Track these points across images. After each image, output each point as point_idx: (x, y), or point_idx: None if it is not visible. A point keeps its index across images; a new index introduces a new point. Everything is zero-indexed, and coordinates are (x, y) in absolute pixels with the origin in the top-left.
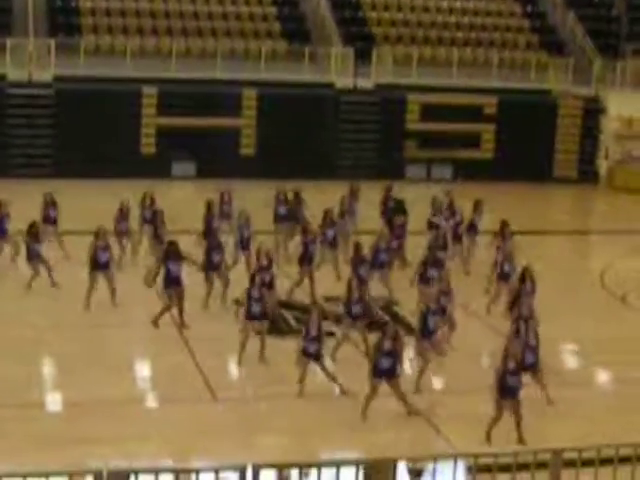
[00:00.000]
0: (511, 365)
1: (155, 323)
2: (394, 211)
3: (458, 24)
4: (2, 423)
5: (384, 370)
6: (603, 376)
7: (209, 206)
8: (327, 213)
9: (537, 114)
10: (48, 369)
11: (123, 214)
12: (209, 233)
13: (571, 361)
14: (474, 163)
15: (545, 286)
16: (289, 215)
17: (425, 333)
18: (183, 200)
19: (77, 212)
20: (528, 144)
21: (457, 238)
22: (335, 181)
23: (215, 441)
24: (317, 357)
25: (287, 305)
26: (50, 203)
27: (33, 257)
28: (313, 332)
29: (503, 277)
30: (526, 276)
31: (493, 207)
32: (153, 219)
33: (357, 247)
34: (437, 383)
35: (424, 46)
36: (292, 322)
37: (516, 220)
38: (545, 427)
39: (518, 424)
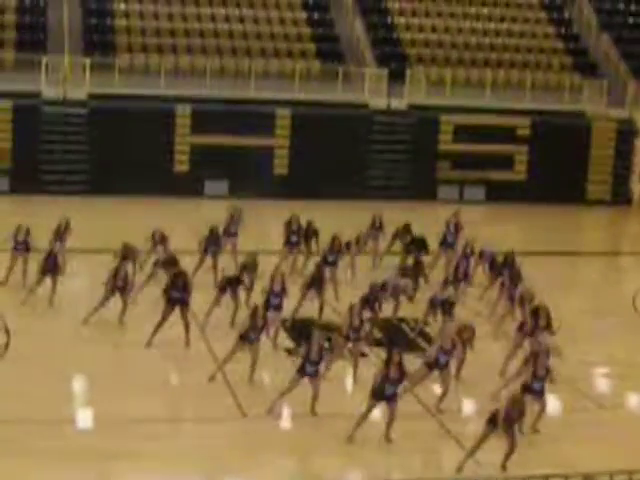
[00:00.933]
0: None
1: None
2: (415, 247)
3: (492, 45)
4: (30, 439)
5: (388, 396)
6: (635, 400)
7: (211, 231)
8: (334, 240)
9: (570, 136)
10: (76, 386)
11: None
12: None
13: (603, 384)
14: (507, 185)
15: (577, 308)
16: (299, 243)
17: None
18: (215, 219)
19: (109, 229)
20: (561, 166)
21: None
22: (367, 201)
23: (243, 459)
24: (314, 376)
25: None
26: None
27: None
28: (313, 356)
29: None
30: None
31: (525, 229)
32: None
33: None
34: (466, 405)
35: (457, 67)
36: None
37: (549, 242)
38: (576, 451)
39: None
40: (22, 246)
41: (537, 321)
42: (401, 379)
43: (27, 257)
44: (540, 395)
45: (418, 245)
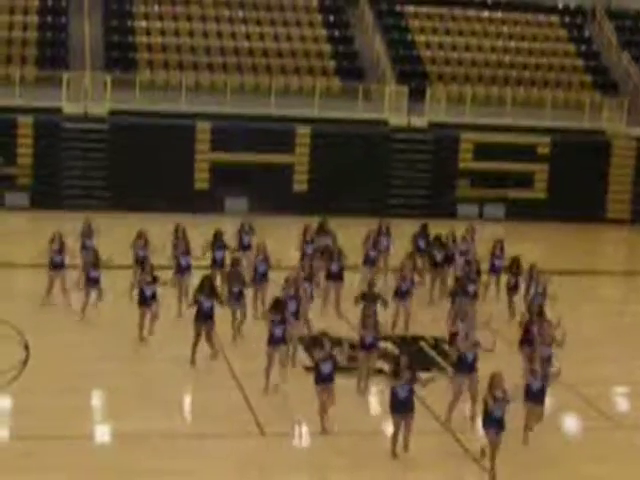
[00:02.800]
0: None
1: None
2: (433, 246)
3: (512, 63)
4: (51, 454)
5: (403, 400)
6: None
7: (215, 235)
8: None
9: (590, 154)
10: (97, 401)
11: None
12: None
13: (622, 403)
14: (526, 203)
15: (597, 327)
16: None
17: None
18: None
19: (129, 245)
20: (581, 184)
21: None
22: (387, 219)
23: (261, 477)
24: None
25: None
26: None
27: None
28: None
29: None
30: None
31: (545, 247)
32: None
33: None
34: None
35: (478, 85)
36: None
37: (568, 260)
38: (596, 471)
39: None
40: (59, 258)
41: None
42: (413, 380)
43: (64, 273)
44: (540, 396)
45: (437, 245)
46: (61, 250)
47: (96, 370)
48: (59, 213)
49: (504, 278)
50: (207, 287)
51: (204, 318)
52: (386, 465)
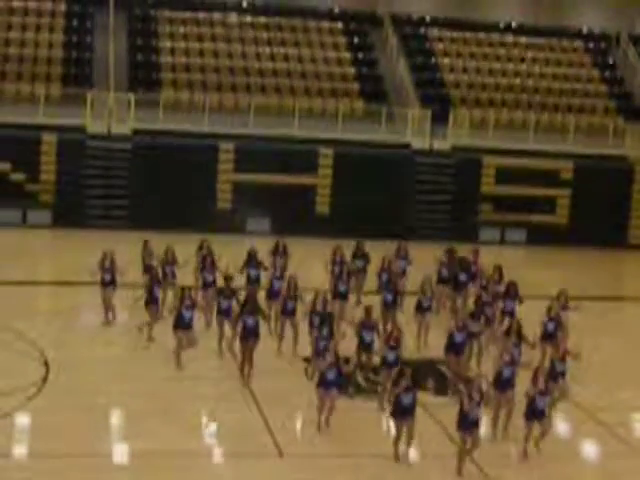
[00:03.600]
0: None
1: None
2: (459, 267)
3: (536, 88)
4: (70, 473)
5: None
6: None
7: (249, 254)
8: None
9: (613, 180)
10: (116, 420)
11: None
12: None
13: None
14: (549, 228)
15: (620, 353)
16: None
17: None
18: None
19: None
20: (603, 210)
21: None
22: (408, 242)
23: None
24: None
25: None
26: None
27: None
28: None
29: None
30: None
31: (567, 272)
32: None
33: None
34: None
35: (501, 109)
36: (361, 382)
37: (590, 286)
38: None
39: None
40: (109, 276)
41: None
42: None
43: (113, 291)
44: (542, 414)
45: (463, 266)
46: (111, 269)
47: (116, 388)
48: (81, 231)
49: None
50: (250, 304)
51: (249, 336)
52: None
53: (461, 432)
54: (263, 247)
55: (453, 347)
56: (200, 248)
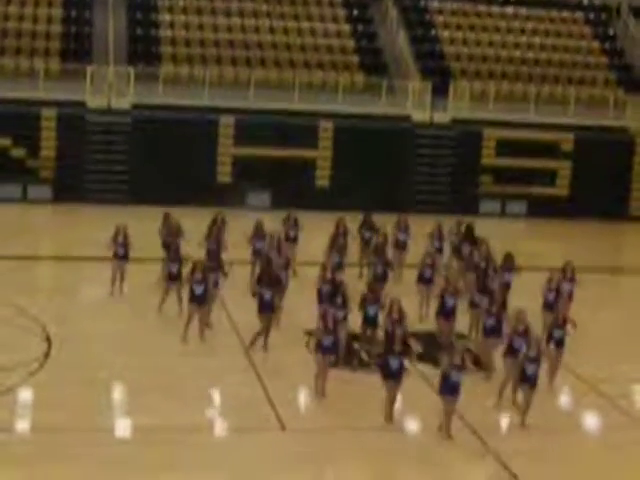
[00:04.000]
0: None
1: (251, 346)
2: (465, 237)
3: (536, 60)
4: (72, 447)
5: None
6: None
7: (256, 226)
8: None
9: (614, 152)
10: (118, 395)
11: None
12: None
13: None
14: (549, 200)
15: (620, 325)
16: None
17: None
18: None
19: (151, 238)
20: (604, 182)
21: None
22: (409, 215)
23: (284, 472)
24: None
25: (357, 338)
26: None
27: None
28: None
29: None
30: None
31: (567, 244)
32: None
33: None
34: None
35: (501, 81)
36: (364, 355)
37: (590, 258)
38: (617, 472)
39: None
40: (123, 250)
41: None
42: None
43: (125, 266)
44: (531, 380)
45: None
46: (125, 243)
47: (118, 363)
48: (81, 206)
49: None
50: (267, 277)
51: (266, 309)
52: (406, 461)
53: (442, 395)
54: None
55: (444, 311)
56: (214, 221)
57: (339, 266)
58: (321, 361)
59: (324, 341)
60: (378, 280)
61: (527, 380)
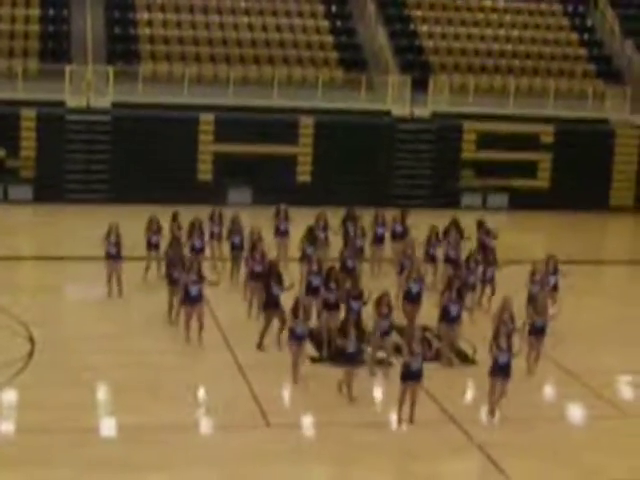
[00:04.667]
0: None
1: (260, 346)
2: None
3: (515, 53)
4: (58, 448)
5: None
6: None
7: (233, 220)
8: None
9: (594, 143)
10: (104, 394)
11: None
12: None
13: (628, 392)
14: (530, 192)
15: (602, 316)
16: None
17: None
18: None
19: (132, 237)
20: (585, 173)
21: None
22: (390, 209)
23: (268, 468)
24: None
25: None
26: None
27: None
28: None
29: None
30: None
31: (549, 236)
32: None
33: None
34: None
35: (481, 75)
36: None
37: (572, 250)
38: (601, 460)
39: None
40: (115, 249)
41: None
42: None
43: (119, 265)
44: (504, 370)
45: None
46: (117, 242)
47: (102, 363)
48: (63, 205)
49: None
50: (275, 274)
51: (275, 305)
52: (393, 456)
53: (403, 384)
54: (245, 217)
55: (409, 297)
56: (211, 218)
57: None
58: (295, 350)
59: (297, 329)
60: (349, 273)
61: (500, 370)
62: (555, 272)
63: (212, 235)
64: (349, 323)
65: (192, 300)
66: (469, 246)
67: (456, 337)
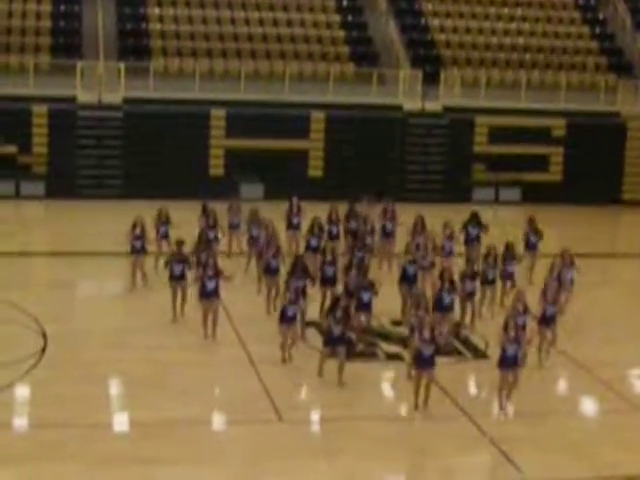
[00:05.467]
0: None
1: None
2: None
3: (526, 46)
4: (69, 442)
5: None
6: None
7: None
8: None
9: (606, 136)
10: (116, 390)
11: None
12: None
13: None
14: (542, 186)
15: (614, 309)
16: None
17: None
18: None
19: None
20: (597, 166)
21: None
22: (402, 204)
23: (281, 463)
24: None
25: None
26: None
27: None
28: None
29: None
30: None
31: (561, 230)
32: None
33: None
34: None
35: (492, 68)
36: (360, 345)
37: (584, 243)
38: (614, 454)
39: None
40: (139, 243)
41: None
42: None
43: (144, 258)
44: (513, 361)
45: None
46: (142, 236)
47: (114, 358)
48: (75, 201)
49: None
50: (299, 268)
51: (299, 298)
52: (406, 450)
53: (416, 369)
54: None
55: (406, 279)
56: (230, 208)
57: (314, 249)
58: (284, 331)
59: (288, 311)
60: (358, 267)
61: (507, 360)
62: (571, 265)
63: (231, 226)
64: (343, 308)
65: (208, 295)
66: (486, 242)
67: (449, 325)
